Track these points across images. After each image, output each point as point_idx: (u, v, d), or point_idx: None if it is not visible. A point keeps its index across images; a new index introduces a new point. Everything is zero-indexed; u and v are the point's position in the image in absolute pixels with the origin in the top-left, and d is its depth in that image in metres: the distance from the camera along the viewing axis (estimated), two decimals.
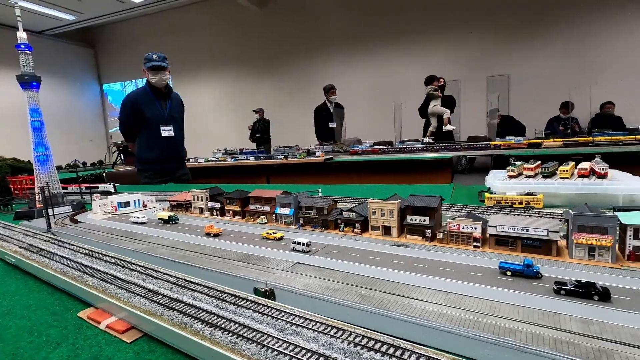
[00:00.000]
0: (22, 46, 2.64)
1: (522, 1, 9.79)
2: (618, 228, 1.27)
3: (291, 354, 0.83)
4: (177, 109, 4.93)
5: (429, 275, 1.21)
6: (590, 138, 5.54)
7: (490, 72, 10.15)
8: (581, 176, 2.34)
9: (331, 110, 8.30)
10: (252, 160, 6.61)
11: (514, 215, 1.59)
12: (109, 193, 3.42)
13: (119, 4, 12.05)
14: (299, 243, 1.51)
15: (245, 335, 0.92)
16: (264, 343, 0.88)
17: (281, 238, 1.70)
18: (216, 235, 1.82)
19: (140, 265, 1.46)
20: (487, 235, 1.44)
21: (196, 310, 1.07)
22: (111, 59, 16.25)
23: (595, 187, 2.17)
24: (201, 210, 2.36)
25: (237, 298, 1.13)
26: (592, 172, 2.35)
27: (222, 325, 0.97)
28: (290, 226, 1.93)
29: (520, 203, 2.20)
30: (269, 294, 1.22)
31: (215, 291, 1.19)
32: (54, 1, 11.46)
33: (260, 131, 10.35)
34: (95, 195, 2.76)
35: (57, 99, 14.56)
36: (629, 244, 1.22)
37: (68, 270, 1.46)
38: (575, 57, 9.56)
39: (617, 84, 8.93)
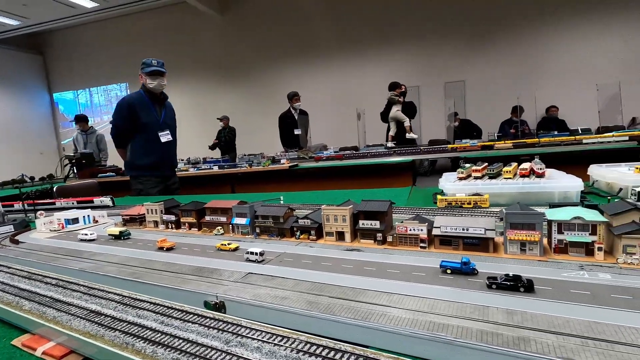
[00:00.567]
0: None
1: (474, 12, 10.42)
2: (546, 223, 1.39)
3: None
4: (170, 115, 4.90)
5: (376, 277, 1.25)
6: (537, 139, 5.95)
7: (448, 78, 10.67)
8: (522, 176, 2.51)
9: (296, 117, 8.36)
10: (216, 169, 6.48)
11: (458, 216, 1.69)
12: (106, 207, 3.19)
13: (69, 9, 11.45)
14: (252, 253, 1.50)
15: (188, 350, 0.91)
16: (207, 357, 0.88)
17: (236, 249, 1.69)
18: (169, 249, 1.78)
19: (84, 286, 1.39)
20: (433, 235, 1.51)
21: (140, 328, 1.04)
22: (62, 67, 15.37)
23: (534, 185, 2.35)
24: (156, 223, 2.29)
25: (185, 313, 1.11)
26: (532, 172, 2.53)
27: (166, 342, 0.95)
28: (247, 236, 1.93)
29: (469, 203, 2.32)
30: (219, 307, 1.21)
31: (162, 307, 1.16)
32: None
33: (226, 140, 10.20)
34: (39, 212, 2.59)
35: (2, 109, 13.52)
36: (554, 237, 1.33)
37: (2, 295, 1.36)
38: (522, 64, 10.29)
39: (560, 89, 9.70)
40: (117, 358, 0.95)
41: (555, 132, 7.21)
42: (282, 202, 3.06)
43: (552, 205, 2.04)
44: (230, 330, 1.00)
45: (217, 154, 10.20)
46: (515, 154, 5.42)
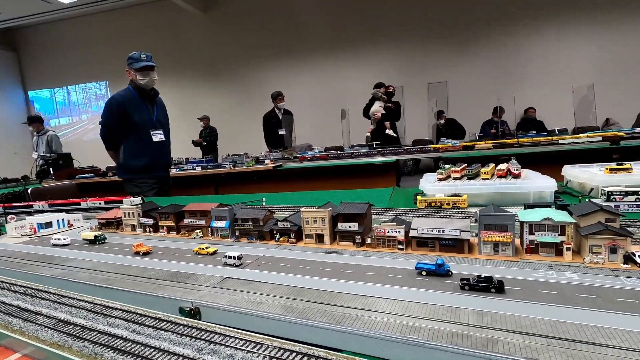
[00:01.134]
0: None
1: (456, 15, 10.61)
2: (519, 224, 1.43)
3: None
4: (163, 112, 4.61)
5: (353, 280, 1.26)
6: (516, 140, 6.10)
7: (430, 79, 10.83)
8: (500, 177, 2.57)
9: (280, 117, 8.32)
10: (198, 170, 6.39)
11: (435, 217, 1.72)
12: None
13: (45, 4, 11.07)
14: (230, 257, 1.49)
15: (159, 359, 0.89)
16: None
17: (214, 252, 1.66)
18: (146, 253, 1.74)
19: (54, 293, 1.35)
20: (410, 237, 1.53)
21: (110, 338, 1.02)
22: (37, 64, 14.84)
23: (510, 186, 2.41)
24: (133, 227, 2.24)
25: (158, 320, 1.09)
26: (509, 173, 2.60)
27: (136, 352, 0.93)
28: (226, 239, 1.91)
29: (448, 204, 2.37)
30: (195, 313, 1.20)
31: (134, 315, 1.14)
32: None
33: (208, 141, 10.07)
34: (9, 216, 2.50)
35: None
36: (526, 238, 1.37)
37: None
38: (502, 66, 10.54)
39: (538, 91, 9.97)
40: None
41: (534, 132, 7.44)
42: (264, 203, 3.05)
43: (527, 206, 2.10)
44: (203, 337, 0.98)
45: (198, 154, 10.05)
46: (495, 154, 5.55)
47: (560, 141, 5.54)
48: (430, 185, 2.58)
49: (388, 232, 1.54)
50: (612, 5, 9.60)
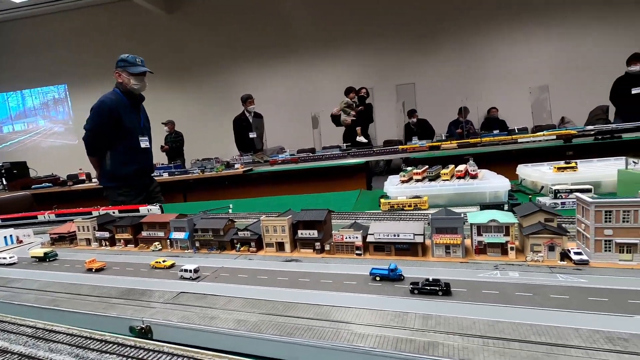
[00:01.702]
0: None
1: (423, 19, 10.92)
2: (471, 227, 1.49)
3: None
4: (146, 117, 4.46)
5: (309, 289, 1.27)
6: (479, 139, 6.35)
7: (399, 80, 11.07)
8: (458, 177, 2.68)
9: (250, 120, 8.23)
10: (166, 176, 6.20)
11: (392, 221, 1.76)
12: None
13: None
14: (186, 270, 1.46)
15: None
16: None
17: (172, 266, 1.62)
18: (99, 270, 1.67)
19: None
20: (367, 242, 1.56)
21: None
22: None
23: (468, 187, 2.51)
24: (88, 241, 2.14)
25: (104, 343, 1.05)
26: (467, 174, 2.70)
27: None
28: (186, 251, 1.86)
29: (410, 206, 2.43)
30: (146, 332, 1.16)
31: (79, 338, 1.09)
32: None
33: (174, 147, 9.80)
34: None
35: None
36: (475, 239, 1.43)
37: None
38: (466, 67, 10.95)
39: (499, 91, 10.43)
40: None
41: (497, 132, 7.77)
42: (230, 210, 3.01)
43: (483, 206, 2.20)
44: (151, 358, 0.96)
45: (165, 160, 9.75)
46: (459, 153, 5.75)
47: (519, 140, 5.82)
48: (393, 187, 2.64)
49: (346, 238, 1.57)
50: (566, 11, 10.21)
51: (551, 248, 1.30)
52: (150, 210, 2.73)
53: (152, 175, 4.66)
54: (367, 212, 2.39)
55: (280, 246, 1.70)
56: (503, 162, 5.32)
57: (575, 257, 1.26)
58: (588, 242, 1.28)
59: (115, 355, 0.98)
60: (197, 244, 1.85)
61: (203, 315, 1.16)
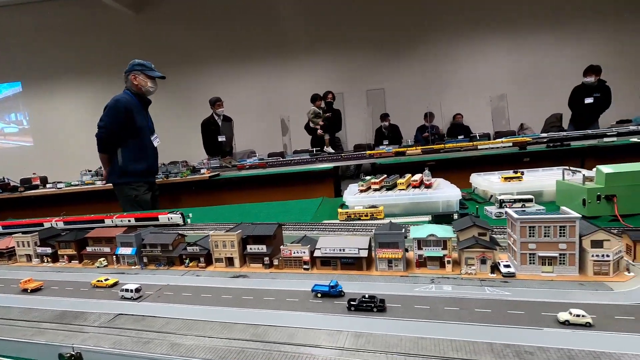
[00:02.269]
0: None
1: (392, 26, 11.18)
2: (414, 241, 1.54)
3: None
4: (151, 120, 4.80)
5: (250, 308, 1.27)
6: (443, 145, 6.57)
7: (369, 86, 11.28)
8: (414, 187, 2.77)
9: (219, 123, 8.10)
10: None
11: (339, 236, 1.80)
12: (175, 226, 2.57)
13: None
14: (127, 290, 1.42)
15: None
16: None
17: (115, 284, 1.57)
18: (35, 290, 1.59)
19: None
20: (314, 257, 1.58)
21: None
22: None
23: (422, 196, 2.59)
24: (29, 257, 2.03)
25: None
26: (422, 183, 2.80)
27: None
28: (133, 267, 1.81)
29: (366, 215, 2.49)
30: (76, 359, 1.12)
31: None
32: None
33: None
34: None
35: None
36: (416, 253, 1.49)
37: None
38: (433, 74, 11.31)
39: (463, 98, 10.85)
40: None
41: (462, 137, 8.08)
42: (189, 220, 2.94)
43: (435, 216, 2.29)
44: None
45: None
46: (424, 159, 5.92)
47: (479, 146, 6.08)
48: (351, 197, 2.69)
49: (294, 253, 1.58)
50: (525, 23, 10.78)
51: (483, 261, 1.38)
52: (171, 219, 2.60)
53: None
54: (324, 223, 2.41)
55: (229, 261, 1.69)
56: (465, 168, 5.54)
57: (503, 270, 1.34)
58: (515, 255, 1.36)
59: None
60: (145, 260, 1.80)
61: (137, 340, 1.13)
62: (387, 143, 9.34)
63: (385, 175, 3.00)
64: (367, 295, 1.19)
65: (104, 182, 5.05)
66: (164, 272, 1.71)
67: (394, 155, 6.21)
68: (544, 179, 2.72)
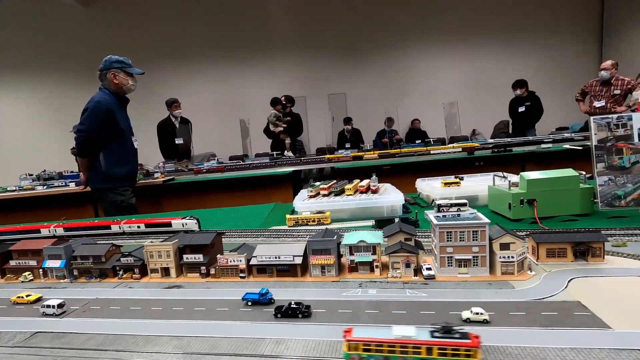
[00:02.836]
0: None
1: (353, 32, 11.47)
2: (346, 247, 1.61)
3: None
4: (129, 120, 4.55)
5: (178, 319, 1.26)
6: (399, 150, 6.81)
7: (330, 90, 11.46)
8: (361, 192, 2.86)
9: (176, 126, 7.86)
10: (72, 186, 5.62)
11: (277, 243, 1.84)
12: (192, 232, 2.25)
13: None
14: (48, 306, 1.36)
15: None
16: None
17: (38, 300, 1.49)
18: None
19: None
20: (251, 265, 1.60)
21: None
22: None
23: (368, 201, 2.69)
24: None
25: None
26: (369, 189, 2.90)
27: None
28: (62, 280, 1.73)
29: (314, 221, 2.54)
30: None
31: None
32: None
33: None
34: None
35: None
36: (348, 258, 1.56)
37: None
38: (393, 80, 11.74)
39: (420, 104, 11.35)
40: None
41: (419, 142, 8.43)
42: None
43: (377, 221, 2.39)
44: None
45: (75, 167, 8.84)
46: (380, 163, 6.13)
47: (432, 151, 6.38)
48: (300, 203, 2.73)
49: (230, 261, 1.59)
50: (475, 36, 11.49)
51: (407, 265, 1.47)
52: (185, 225, 2.40)
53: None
54: (271, 229, 2.44)
55: (166, 271, 1.66)
56: (419, 172, 5.77)
57: (425, 273, 1.44)
58: (437, 257, 1.47)
59: None
60: (76, 272, 1.73)
61: (53, 359, 1.09)
62: (349, 146, 9.57)
63: (335, 181, 3.08)
64: (293, 302, 1.23)
65: (83, 187, 4.75)
66: (94, 285, 1.65)
67: (351, 160, 6.35)
68: (480, 184, 2.92)
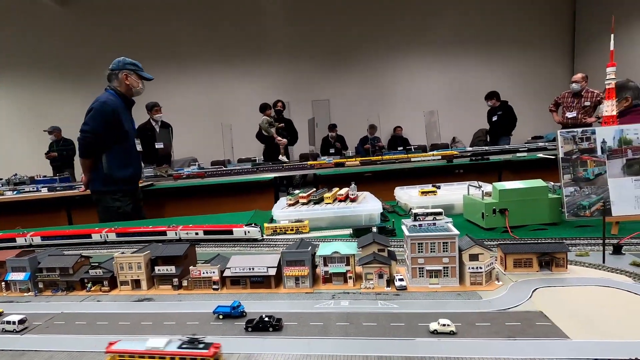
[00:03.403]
0: None
1: (338, 39, 11.59)
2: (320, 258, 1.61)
3: None
4: (134, 122, 4.52)
5: (146, 335, 1.23)
6: (380, 157, 6.90)
7: (314, 96, 11.52)
8: (340, 201, 2.88)
9: (157, 130, 7.72)
10: (45, 192, 5.41)
11: (253, 254, 1.83)
12: (254, 241, 2.23)
13: None
14: (8, 322, 1.30)
15: None
16: None
17: None
18: None
19: None
20: (224, 277, 1.58)
21: None
22: None
23: (347, 210, 2.70)
24: None
25: None
26: (347, 197, 2.92)
27: None
28: (25, 294, 1.66)
29: (292, 230, 2.54)
30: None
31: None
32: None
33: (64, 154, 8.69)
34: None
35: None
36: (322, 269, 1.56)
37: None
38: (376, 88, 11.90)
39: (402, 112, 11.54)
40: None
41: (401, 149, 8.57)
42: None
43: (355, 229, 2.40)
44: None
45: (49, 171, 8.56)
46: (362, 170, 6.18)
47: (412, 159, 6.49)
48: (279, 211, 2.72)
49: (203, 273, 1.57)
50: (455, 46, 11.81)
51: (380, 276, 1.49)
52: (248, 233, 2.29)
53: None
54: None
55: (137, 283, 1.63)
56: (399, 179, 5.84)
57: (397, 284, 1.46)
58: (408, 268, 1.49)
59: None
60: (41, 285, 1.66)
61: None
62: (333, 152, 9.62)
63: (314, 189, 3.09)
64: (264, 316, 1.23)
65: (83, 188, 4.62)
66: (60, 298, 1.60)
67: (333, 167, 6.38)
68: (455, 194, 2.99)
